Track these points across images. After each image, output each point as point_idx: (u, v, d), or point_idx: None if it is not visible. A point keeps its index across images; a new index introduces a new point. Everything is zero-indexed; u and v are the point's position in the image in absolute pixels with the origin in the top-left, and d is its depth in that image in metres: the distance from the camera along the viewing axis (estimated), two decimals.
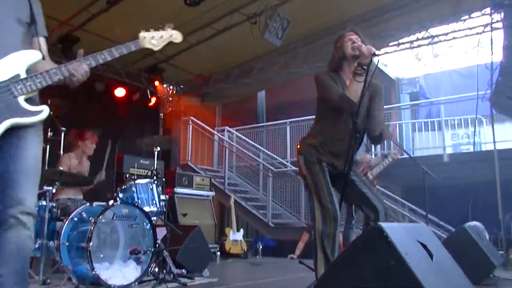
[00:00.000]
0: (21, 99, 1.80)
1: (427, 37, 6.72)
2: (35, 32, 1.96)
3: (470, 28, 6.36)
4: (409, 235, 2.11)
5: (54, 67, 1.89)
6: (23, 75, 1.83)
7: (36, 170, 1.88)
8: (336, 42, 2.85)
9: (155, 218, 4.15)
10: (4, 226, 1.76)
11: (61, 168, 4.09)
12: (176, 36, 2.12)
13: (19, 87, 1.80)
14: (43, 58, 1.95)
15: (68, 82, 1.92)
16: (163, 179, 5.00)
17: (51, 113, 4.64)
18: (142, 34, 2.03)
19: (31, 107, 1.83)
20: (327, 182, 2.70)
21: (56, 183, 3.78)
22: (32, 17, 1.95)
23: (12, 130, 1.80)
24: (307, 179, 2.75)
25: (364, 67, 2.56)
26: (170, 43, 2.12)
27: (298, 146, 2.87)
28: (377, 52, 2.56)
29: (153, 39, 2.05)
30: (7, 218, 1.75)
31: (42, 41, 2.00)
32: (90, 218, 3.54)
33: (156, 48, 2.06)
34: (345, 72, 2.80)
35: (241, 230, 7.46)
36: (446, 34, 6.58)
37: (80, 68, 1.89)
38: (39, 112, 1.86)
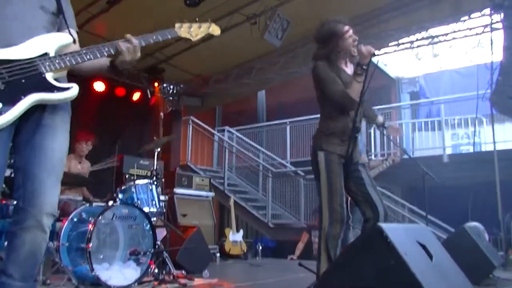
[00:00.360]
0: (48, 76, 1.70)
1: (427, 37, 6.72)
2: (65, 25, 1.86)
3: (470, 29, 6.35)
4: (408, 235, 2.11)
5: (87, 47, 1.79)
6: (52, 55, 1.74)
7: (61, 165, 1.79)
8: (334, 38, 2.77)
9: (154, 218, 4.15)
10: (22, 225, 1.67)
11: None
12: (215, 29, 2.08)
13: (46, 63, 1.70)
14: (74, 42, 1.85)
15: (112, 67, 1.83)
16: (163, 179, 5.00)
17: None
18: (178, 24, 1.97)
19: (58, 83, 1.72)
20: (341, 183, 2.70)
21: None
22: (60, 9, 1.85)
23: (37, 115, 1.70)
24: (322, 176, 2.72)
25: (364, 67, 2.57)
26: (209, 35, 2.09)
27: (315, 140, 2.81)
28: (376, 52, 2.56)
29: (191, 29, 1.99)
30: (27, 218, 1.67)
31: (74, 34, 1.89)
32: (90, 219, 3.53)
33: (194, 38, 2.00)
34: (341, 62, 2.82)
35: (241, 231, 7.46)
36: (446, 34, 6.58)
37: (125, 45, 1.79)
38: (68, 88, 1.73)
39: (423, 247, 2.07)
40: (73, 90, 1.74)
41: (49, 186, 1.71)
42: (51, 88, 1.69)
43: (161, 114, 8.01)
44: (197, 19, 2.04)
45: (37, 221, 1.68)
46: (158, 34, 1.91)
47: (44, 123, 1.72)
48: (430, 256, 2.05)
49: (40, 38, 1.74)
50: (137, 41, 1.83)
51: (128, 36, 1.83)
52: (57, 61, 1.72)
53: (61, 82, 1.76)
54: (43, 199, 1.68)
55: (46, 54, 1.73)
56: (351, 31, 2.75)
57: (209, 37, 2.06)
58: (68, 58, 1.74)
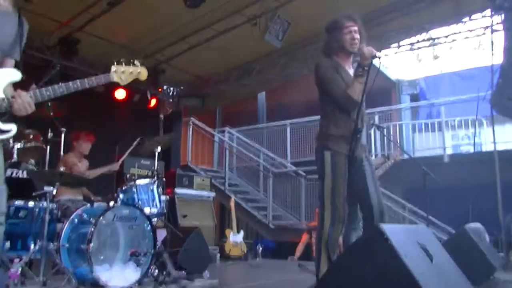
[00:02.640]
0: None
1: (428, 39, 6.73)
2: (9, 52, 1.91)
3: (471, 30, 6.36)
4: (409, 236, 2.11)
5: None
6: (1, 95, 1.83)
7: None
8: (333, 29, 2.80)
9: (155, 219, 4.14)
10: None
11: (61, 169, 4.08)
12: (143, 73, 2.19)
13: None
14: None
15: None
16: (164, 179, 5.00)
17: (52, 114, 4.63)
18: (114, 67, 2.09)
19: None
20: (345, 183, 2.69)
21: (57, 184, 3.77)
22: (16, 38, 1.91)
23: None
24: (326, 176, 2.70)
25: (365, 68, 2.57)
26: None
27: (320, 141, 2.79)
28: (378, 54, 2.56)
29: (123, 74, 2.11)
30: None
31: (11, 63, 1.94)
32: (91, 220, 3.53)
33: (122, 83, 2.13)
34: (342, 59, 2.83)
35: (242, 232, 7.44)
36: (447, 36, 6.58)
37: (20, 99, 1.84)
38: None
39: (424, 248, 2.07)
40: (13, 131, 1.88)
41: None
42: None
43: (161, 115, 8.02)
44: (131, 60, 2.14)
45: None
46: (93, 79, 2.00)
47: None
48: (431, 258, 2.05)
49: None
50: (26, 99, 1.86)
51: (18, 92, 1.87)
52: None
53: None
54: None
55: None
56: (352, 28, 2.74)
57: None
58: None
